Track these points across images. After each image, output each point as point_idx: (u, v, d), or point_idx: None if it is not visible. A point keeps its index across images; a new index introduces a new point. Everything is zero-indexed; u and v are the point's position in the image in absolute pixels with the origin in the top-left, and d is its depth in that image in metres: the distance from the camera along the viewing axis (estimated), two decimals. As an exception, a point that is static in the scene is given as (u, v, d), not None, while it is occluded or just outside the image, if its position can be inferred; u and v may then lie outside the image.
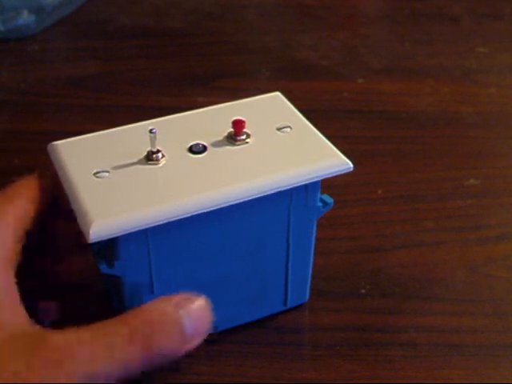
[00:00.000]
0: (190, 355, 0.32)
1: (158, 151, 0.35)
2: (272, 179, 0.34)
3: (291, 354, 0.38)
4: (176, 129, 0.37)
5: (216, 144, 0.36)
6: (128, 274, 0.34)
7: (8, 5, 0.69)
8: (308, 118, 0.39)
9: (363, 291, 0.43)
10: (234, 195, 0.34)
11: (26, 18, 0.70)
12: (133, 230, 0.32)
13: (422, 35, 0.74)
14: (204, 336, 0.33)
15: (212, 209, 0.33)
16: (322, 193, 0.38)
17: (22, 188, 0.35)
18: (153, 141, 0.35)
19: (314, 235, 0.39)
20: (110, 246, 0.33)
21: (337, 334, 0.40)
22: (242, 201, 0.34)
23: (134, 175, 0.34)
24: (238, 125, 0.36)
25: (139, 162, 0.35)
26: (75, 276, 0.39)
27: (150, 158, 0.35)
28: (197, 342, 0.32)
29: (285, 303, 0.40)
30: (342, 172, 0.36)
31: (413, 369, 0.38)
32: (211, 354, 0.39)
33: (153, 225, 0.32)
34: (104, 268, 0.34)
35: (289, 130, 0.37)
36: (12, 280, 0.32)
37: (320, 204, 0.38)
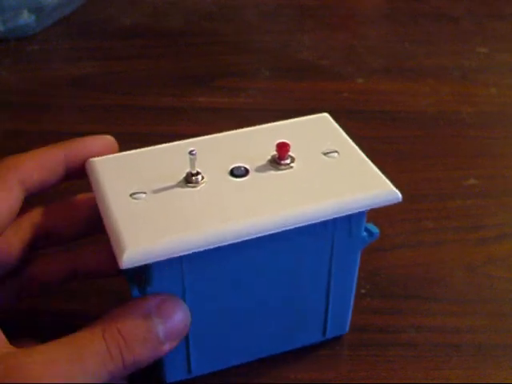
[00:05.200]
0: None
1: (198, 173, 0.33)
2: (316, 209, 0.32)
3: (291, 354, 0.38)
4: (217, 150, 0.35)
5: (259, 167, 0.34)
6: None
7: (8, 5, 0.69)
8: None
9: (363, 291, 0.43)
10: (276, 224, 0.31)
11: (26, 18, 0.70)
12: (167, 258, 0.30)
13: (422, 35, 0.74)
14: (180, 339, 0.32)
15: (250, 238, 0.31)
16: None
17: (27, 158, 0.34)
18: (193, 162, 0.33)
19: (358, 266, 0.37)
20: (142, 271, 0.32)
21: (337, 334, 0.40)
22: (283, 230, 0.32)
23: (172, 198, 0.32)
24: (283, 148, 0.34)
25: (178, 184, 0.33)
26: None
27: (189, 180, 0.33)
28: (172, 346, 0.32)
29: (324, 334, 0.38)
30: (390, 203, 0.34)
31: (413, 369, 0.38)
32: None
33: (188, 252, 0.30)
34: (136, 293, 0.32)
35: (336, 154, 0.35)
36: None
37: (365, 234, 0.36)
